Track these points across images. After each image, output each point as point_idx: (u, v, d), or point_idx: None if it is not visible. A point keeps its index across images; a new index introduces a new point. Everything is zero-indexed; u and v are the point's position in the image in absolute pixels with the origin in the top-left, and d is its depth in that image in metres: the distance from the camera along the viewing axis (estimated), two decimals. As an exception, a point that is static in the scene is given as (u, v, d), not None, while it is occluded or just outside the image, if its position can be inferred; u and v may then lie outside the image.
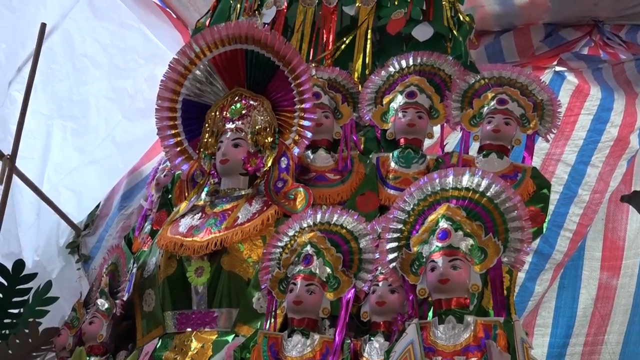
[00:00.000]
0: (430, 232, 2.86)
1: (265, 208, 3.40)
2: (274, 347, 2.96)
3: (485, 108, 3.69)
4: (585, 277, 5.00)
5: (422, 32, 4.00)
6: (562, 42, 5.21)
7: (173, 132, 3.70)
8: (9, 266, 3.83)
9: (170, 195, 3.92)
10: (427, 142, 3.97)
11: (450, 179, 2.96)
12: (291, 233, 3.18)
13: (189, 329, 3.33)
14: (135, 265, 3.62)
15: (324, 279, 3.02)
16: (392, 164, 3.70)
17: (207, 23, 4.38)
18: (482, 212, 2.88)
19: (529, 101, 3.69)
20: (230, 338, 3.22)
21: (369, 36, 4.08)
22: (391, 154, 3.74)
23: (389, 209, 3.15)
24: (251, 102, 3.58)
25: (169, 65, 3.68)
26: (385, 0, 4.11)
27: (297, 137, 3.57)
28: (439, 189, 2.97)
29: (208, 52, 3.63)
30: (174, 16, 5.73)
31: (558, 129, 3.98)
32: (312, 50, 4.15)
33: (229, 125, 3.54)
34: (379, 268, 3.04)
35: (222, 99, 3.64)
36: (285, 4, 4.25)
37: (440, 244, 2.80)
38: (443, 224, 2.84)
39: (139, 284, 3.54)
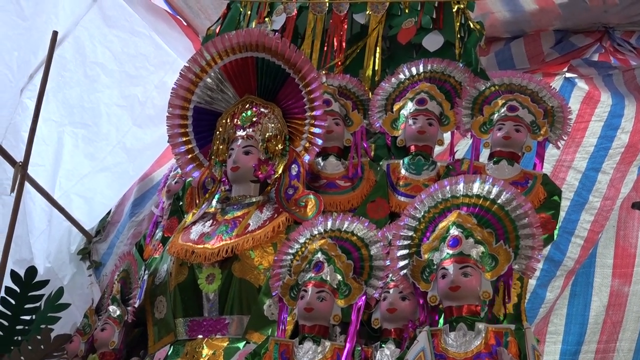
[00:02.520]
0: (441, 240, 2.86)
1: (276, 215, 3.40)
2: (285, 354, 2.96)
3: (496, 115, 3.69)
4: (597, 284, 4.97)
5: (433, 42, 4.01)
6: (572, 49, 5.19)
7: (184, 139, 3.72)
8: (21, 273, 3.84)
9: (181, 203, 3.94)
10: (438, 149, 3.98)
11: (461, 186, 2.96)
12: (302, 240, 3.19)
13: (200, 336, 3.33)
14: (146, 272, 3.63)
15: (335, 286, 3.02)
16: (403, 171, 3.70)
17: (217, 30, 4.39)
18: (493, 219, 2.88)
19: (539, 108, 3.69)
20: (241, 345, 3.23)
21: (379, 44, 4.08)
22: (401, 161, 3.74)
23: (400, 216, 3.15)
24: (262, 109, 3.59)
25: (180, 72, 3.70)
26: (396, 8, 4.11)
27: (307, 145, 3.58)
28: (449, 196, 2.97)
29: (219, 60, 3.64)
30: (185, 24, 5.74)
31: (569, 136, 3.98)
32: (323, 57, 4.15)
33: (240, 133, 3.55)
34: (390, 275, 3.04)
35: (233, 107, 3.65)
36: (295, 11, 4.25)
37: (451, 251, 2.81)
38: (454, 231, 2.84)
39: (150, 291, 3.56)
